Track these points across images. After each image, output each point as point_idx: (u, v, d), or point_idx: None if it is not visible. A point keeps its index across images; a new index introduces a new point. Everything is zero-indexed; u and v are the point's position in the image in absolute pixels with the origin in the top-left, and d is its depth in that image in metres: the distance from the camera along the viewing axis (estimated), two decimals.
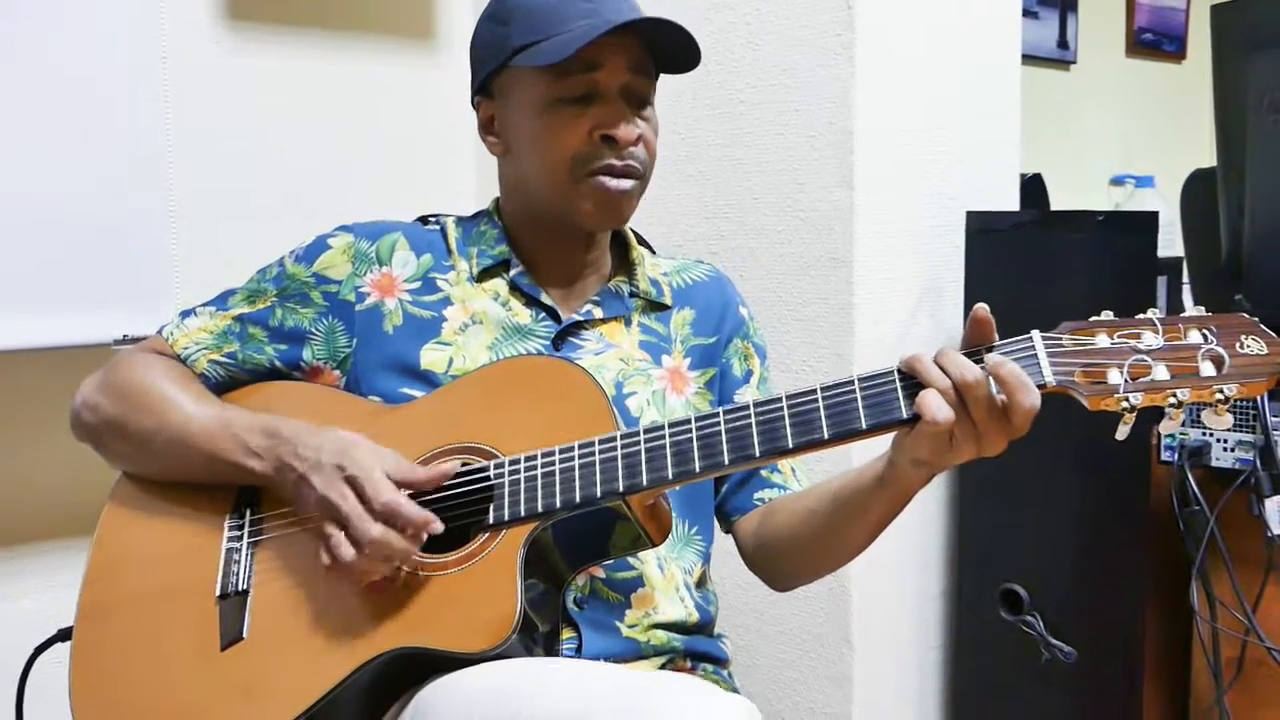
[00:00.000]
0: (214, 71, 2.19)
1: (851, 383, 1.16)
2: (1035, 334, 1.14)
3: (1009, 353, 1.13)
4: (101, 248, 1.95)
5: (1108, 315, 1.15)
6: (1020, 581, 2.00)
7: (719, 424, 1.19)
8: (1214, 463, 2.06)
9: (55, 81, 1.90)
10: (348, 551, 1.19)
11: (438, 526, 1.21)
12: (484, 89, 1.42)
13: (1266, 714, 2.06)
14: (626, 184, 1.35)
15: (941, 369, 1.11)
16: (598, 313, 1.42)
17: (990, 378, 1.11)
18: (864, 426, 1.15)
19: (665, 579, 1.37)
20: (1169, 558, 2.15)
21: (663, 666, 1.36)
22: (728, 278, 1.56)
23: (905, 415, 1.14)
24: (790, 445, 1.16)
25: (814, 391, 1.17)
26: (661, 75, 1.41)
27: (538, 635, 1.27)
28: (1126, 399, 1.10)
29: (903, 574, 2.15)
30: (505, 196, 1.46)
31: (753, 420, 1.18)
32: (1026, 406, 1.09)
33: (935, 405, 1.10)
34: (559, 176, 1.36)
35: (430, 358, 1.37)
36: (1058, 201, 2.56)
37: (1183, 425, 2.09)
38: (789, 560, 1.41)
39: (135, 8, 1.99)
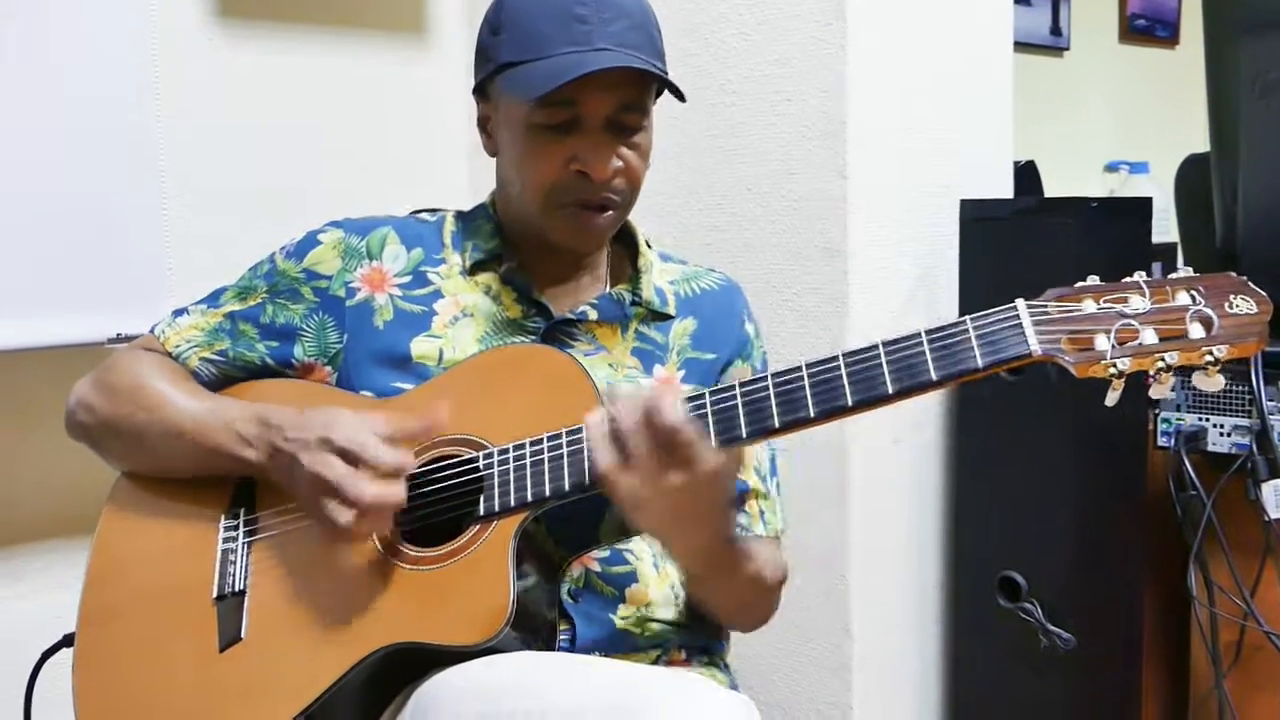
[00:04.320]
0: (205, 69, 2.18)
1: (836, 359, 1.14)
2: (1020, 302, 1.13)
3: (993, 321, 1.12)
4: (94, 246, 1.95)
5: (1094, 280, 1.14)
6: (1018, 569, 2.00)
7: (705, 406, 1.17)
8: (1210, 447, 2.05)
9: (46, 81, 1.90)
10: (344, 515, 1.19)
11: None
12: (480, 89, 1.40)
13: (1265, 698, 2.07)
14: (601, 217, 1.35)
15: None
16: (592, 314, 1.40)
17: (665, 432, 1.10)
18: (850, 404, 1.13)
19: (659, 577, 1.36)
20: (1166, 543, 2.15)
21: (657, 659, 1.36)
22: (739, 288, 1.52)
23: (890, 391, 1.12)
24: (776, 425, 1.15)
25: (800, 369, 1.15)
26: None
27: (532, 627, 1.27)
28: (1114, 364, 1.09)
29: (900, 562, 2.15)
30: (498, 193, 1.45)
31: (738, 401, 1.17)
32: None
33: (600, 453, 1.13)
34: (536, 202, 1.35)
35: (421, 349, 1.37)
36: (1052, 189, 2.56)
37: (1178, 411, 2.09)
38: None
39: (125, 7, 1.98)
